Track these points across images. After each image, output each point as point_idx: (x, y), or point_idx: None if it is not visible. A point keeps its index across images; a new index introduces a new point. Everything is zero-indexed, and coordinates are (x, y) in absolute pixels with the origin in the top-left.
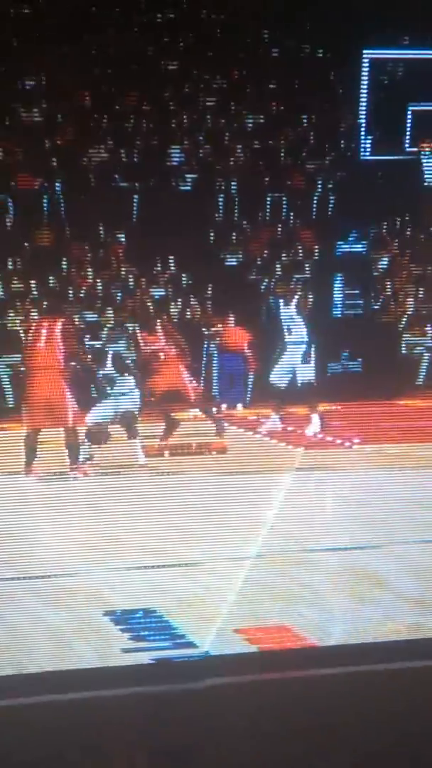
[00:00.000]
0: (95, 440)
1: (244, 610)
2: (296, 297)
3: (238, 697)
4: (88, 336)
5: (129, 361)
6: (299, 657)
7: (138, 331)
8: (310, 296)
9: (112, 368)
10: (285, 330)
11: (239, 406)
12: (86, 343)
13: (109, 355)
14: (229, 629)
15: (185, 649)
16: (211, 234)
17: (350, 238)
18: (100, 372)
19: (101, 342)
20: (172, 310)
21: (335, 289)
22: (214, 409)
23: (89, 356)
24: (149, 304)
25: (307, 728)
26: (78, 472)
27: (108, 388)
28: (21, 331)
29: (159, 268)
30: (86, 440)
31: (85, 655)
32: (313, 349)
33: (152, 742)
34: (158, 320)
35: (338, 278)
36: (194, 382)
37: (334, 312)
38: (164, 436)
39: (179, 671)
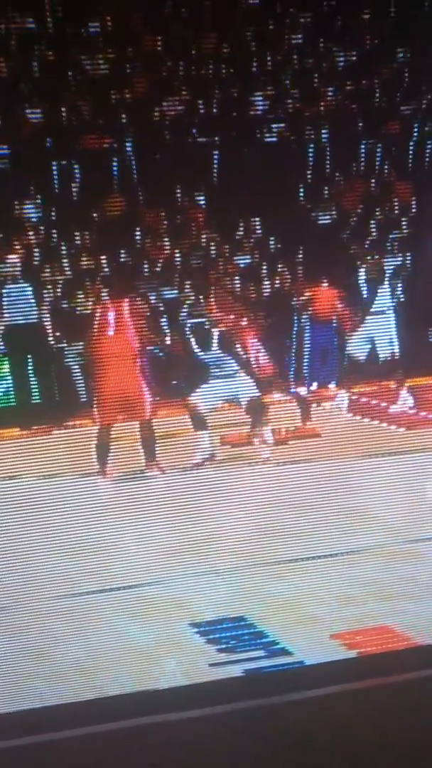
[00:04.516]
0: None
1: (341, 612)
2: (391, 257)
3: (340, 707)
4: (165, 316)
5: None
6: (404, 658)
7: (220, 306)
8: (408, 256)
9: (217, 349)
10: (380, 294)
11: (332, 384)
12: (180, 320)
13: (202, 334)
14: (326, 635)
15: (279, 657)
16: (301, 190)
17: None
18: (200, 353)
19: (194, 320)
20: (260, 279)
21: None
22: (305, 390)
23: (186, 334)
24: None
25: (421, 733)
26: (156, 470)
27: (213, 369)
28: (93, 315)
29: (243, 233)
30: (197, 429)
31: (170, 673)
32: (413, 315)
33: (248, 761)
34: (244, 292)
35: None
36: (283, 360)
37: None
38: (252, 424)
39: (274, 682)
